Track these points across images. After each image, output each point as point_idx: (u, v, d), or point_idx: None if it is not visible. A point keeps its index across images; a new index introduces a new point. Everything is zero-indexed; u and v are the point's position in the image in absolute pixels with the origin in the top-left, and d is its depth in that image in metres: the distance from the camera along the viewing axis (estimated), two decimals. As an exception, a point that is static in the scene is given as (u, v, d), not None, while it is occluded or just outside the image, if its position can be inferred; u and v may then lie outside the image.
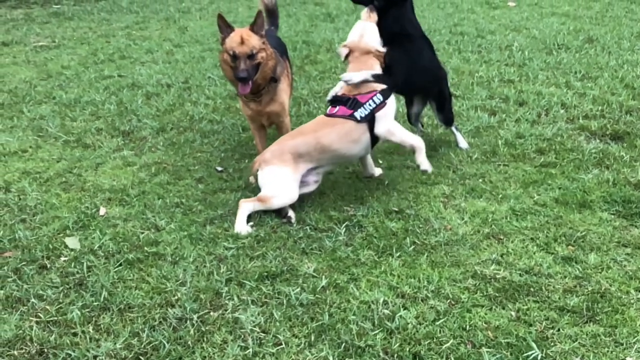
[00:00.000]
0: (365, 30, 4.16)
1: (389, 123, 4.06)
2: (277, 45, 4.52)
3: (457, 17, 9.27)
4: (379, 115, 3.99)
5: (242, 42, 4.01)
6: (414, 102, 4.88)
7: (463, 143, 4.90)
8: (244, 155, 4.95)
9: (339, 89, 4.24)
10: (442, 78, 4.74)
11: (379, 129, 4.02)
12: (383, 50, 4.14)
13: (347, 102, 4.00)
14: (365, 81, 4.01)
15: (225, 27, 4.06)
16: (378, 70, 4.09)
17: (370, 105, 3.98)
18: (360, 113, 3.96)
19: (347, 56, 4.15)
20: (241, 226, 3.82)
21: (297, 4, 11.10)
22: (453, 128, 4.91)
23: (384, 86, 4.05)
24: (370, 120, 3.98)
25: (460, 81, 6.36)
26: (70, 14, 10.81)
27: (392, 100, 4.10)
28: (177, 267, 3.44)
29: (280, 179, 3.91)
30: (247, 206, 3.90)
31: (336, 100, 4.09)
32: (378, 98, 4.00)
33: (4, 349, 2.86)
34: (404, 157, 4.73)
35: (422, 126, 5.18)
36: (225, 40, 4.07)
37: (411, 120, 5.03)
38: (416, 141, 4.11)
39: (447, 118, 4.82)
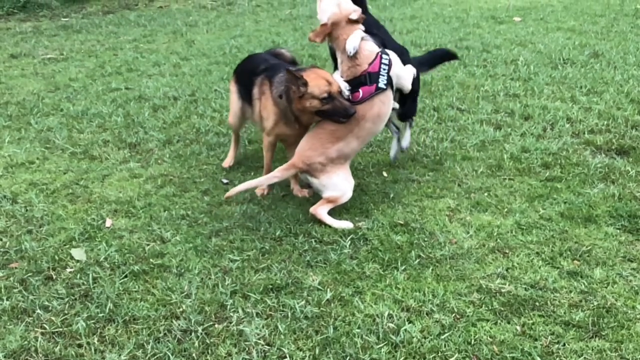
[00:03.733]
0: (339, 0, 4.07)
1: (407, 71, 4.19)
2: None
3: (462, 31, 9.30)
4: (394, 73, 4.04)
5: (330, 82, 3.94)
6: None
7: (406, 142, 4.83)
8: (249, 167, 4.97)
9: (339, 77, 4.07)
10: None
11: (405, 83, 4.16)
12: (363, 15, 4.06)
13: (365, 80, 3.95)
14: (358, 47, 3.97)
15: (297, 78, 3.91)
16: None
17: (384, 68, 3.96)
18: (382, 82, 3.95)
19: (328, 34, 4.03)
20: (340, 223, 3.96)
21: (304, 18, 11.16)
22: (407, 124, 4.82)
23: (376, 48, 4.02)
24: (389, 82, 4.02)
25: (466, 95, 6.38)
26: (79, 27, 10.89)
27: (391, 52, 4.12)
28: (183, 279, 3.44)
29: (341, 180, 4.02)
30: (322, 210, 4.00)
31: (354, 86, 4.01)
32: (385, 57, 4.00)
33: (9, 360, 2.87)
34: (409, 171, 4.74)
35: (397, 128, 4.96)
36: (306, 89, 3.91)
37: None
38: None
39: (405, 113, 4.69)
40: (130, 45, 9.47)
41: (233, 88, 4.81)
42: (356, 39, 3.96)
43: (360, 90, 3.96)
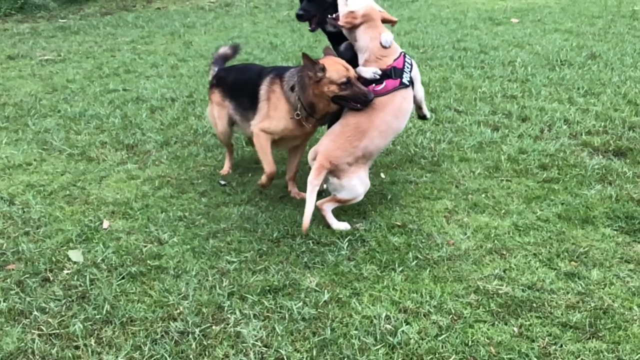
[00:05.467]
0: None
1: (419, 82, 4.25)
2: None
3: (460, 33, 9.31)
4: (413, 75, 4.09)
5: (347, 68, 3.94)
6: None
7: None
8: (247, 169, 4.97)
9: (370, 72, 4.01)
10: None
11: (419, 88, 4.19)
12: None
13: (391, 74, 3.97)
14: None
15: (314, 63, 3.89)
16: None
17: (407, 67, 4.03)
18: (405, 78, 4.00)
19: (354, 26, 4.03)
20: (338, 224, 3.95)
21: (301, 19, 11.16)
22: None
23: (399, 47, 4.12)
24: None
25: (463, 96, 6.38)
26: (76, 28, 10.89)
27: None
28: (180, 281, 3.44)
29: (360, 182, 3.97)
30: (329, 207, 3.98)
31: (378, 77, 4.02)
32: (409, 58, 4.07)
33: (6, 362, 2.86)
34: (407, 172, 4.74)
35: None
36: (324, 74, 3.89)
37: None
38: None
39: None
40: (128, 46, 9.47)
41: (222, 103, 4.65)
42: (390, 34, 4.03)
43: (384, 82, 3.97)
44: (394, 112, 3.98)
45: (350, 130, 3.93)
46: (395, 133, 4.18)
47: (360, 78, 3.99)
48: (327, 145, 3.95)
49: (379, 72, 3.97)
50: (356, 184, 3.95)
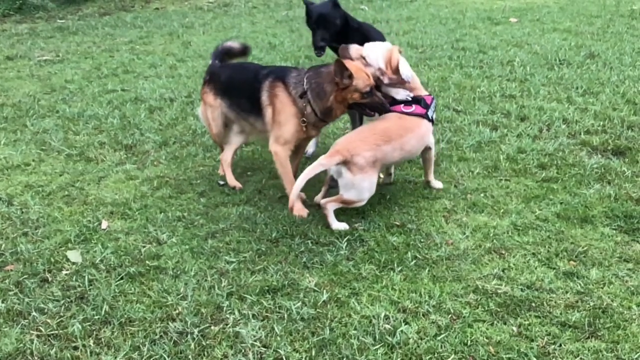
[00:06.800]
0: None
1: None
2: None
3: (459, 32, 9.31)
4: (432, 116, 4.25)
5: (369, 76, 4.02)
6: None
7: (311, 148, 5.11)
8: (245, 169, 4.96)
9: (403, 95, 4.19)
10: None
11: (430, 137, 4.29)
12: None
13: (420, 102, 4.13)
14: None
15: (345, 70, 3.90)
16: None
17: (433, 106, 4.21)
18: (430, 113, 4.17)
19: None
20: (337, 224, 3.95)
21: (300, 19, 11.16)
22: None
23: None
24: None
25: (462, 96, 6.38)
26: (75, 29, 10.89)
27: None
28: (179, 281, 3.44)
29: (369, 187, 3.95)
30: (332, 206, 3.97)
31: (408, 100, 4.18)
32: (434, 102, 4.24)
33: (5, 363, 2.86)
34: (405, 172, 4.74)
35: None
36: (351, 81, 3.93)
37: None
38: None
39: None
40: (127, 46, 9.47)
41: (215, 103, 4.57)
42: (408, 67, 4.19)
43: (414, 106, 4.13)
44: (418, 138, 4.13)
45: (378, 132, 4.00)
46: (409, 156, 4.29)
47: (388, 97, 4.15)
48: (349, 137, 4.06)
49: (411, 95, 4.16)
50: (365, 187, 3.93)
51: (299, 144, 4.38)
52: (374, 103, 4.04)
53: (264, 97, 4.22)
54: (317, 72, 4.07)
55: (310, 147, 5.08)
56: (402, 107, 4.12)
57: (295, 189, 3.87)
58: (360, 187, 3.91)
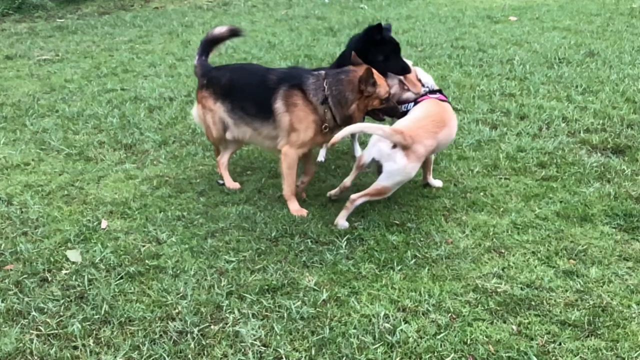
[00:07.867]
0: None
1: None
2: None
3: (458, 31, 9.31)
4: None
5: (388, 84, 4.18)
6: None
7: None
8: (245, 168, 4.96)
9: (423, 72, 4.52)
10: None
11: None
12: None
13: (440, 92, 4.31)
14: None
15: (372, 78, 3.94)
16: None
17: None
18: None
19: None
20: (345, 223, 3.95)
21: (300, 18, 11.17)
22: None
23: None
24: None
25: (462, 95, 6.38)
26: (74, 28, 10.88)
27: None
28: (178, 281, 3.44)
29: (410, 175, 3.91)
30: (359, 202, 3.94)
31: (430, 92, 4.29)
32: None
33: (4, 362, 2.86)
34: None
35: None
36: (375, 89, 3.99)
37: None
38: None
39: None
40: (126, 46, 9.46)
41: (215, 107, 4.41)
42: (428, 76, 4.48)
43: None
44: (447, 133, 4.10)
45: (434, 117, 4.01)
46: (442, 146, 4.22)
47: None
48: (405, 124, 3.96)
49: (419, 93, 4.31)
50: (411, 176, 3.90)
51: (309, 151, 4.34)
52: (389, 108, 4.18)
53: (279, 105, 4.09)
54: (337, 79, 4.03)
55: (321, 156, 5.13)
56: (439, 95, 4.26)
57: (340, 135, 3.72)
58: (408, 175, 3.87)
